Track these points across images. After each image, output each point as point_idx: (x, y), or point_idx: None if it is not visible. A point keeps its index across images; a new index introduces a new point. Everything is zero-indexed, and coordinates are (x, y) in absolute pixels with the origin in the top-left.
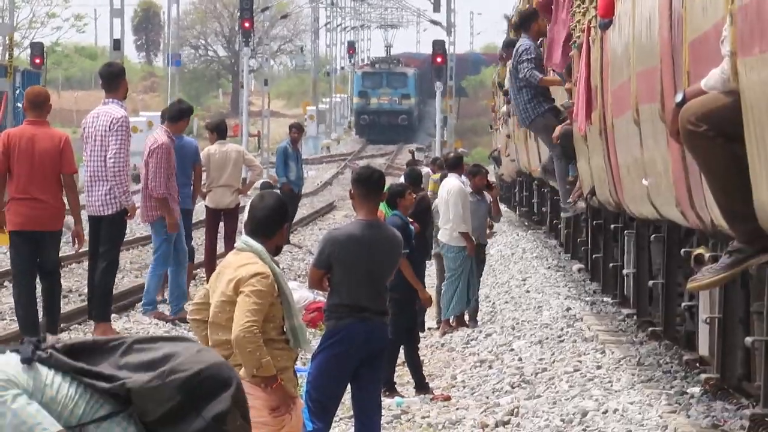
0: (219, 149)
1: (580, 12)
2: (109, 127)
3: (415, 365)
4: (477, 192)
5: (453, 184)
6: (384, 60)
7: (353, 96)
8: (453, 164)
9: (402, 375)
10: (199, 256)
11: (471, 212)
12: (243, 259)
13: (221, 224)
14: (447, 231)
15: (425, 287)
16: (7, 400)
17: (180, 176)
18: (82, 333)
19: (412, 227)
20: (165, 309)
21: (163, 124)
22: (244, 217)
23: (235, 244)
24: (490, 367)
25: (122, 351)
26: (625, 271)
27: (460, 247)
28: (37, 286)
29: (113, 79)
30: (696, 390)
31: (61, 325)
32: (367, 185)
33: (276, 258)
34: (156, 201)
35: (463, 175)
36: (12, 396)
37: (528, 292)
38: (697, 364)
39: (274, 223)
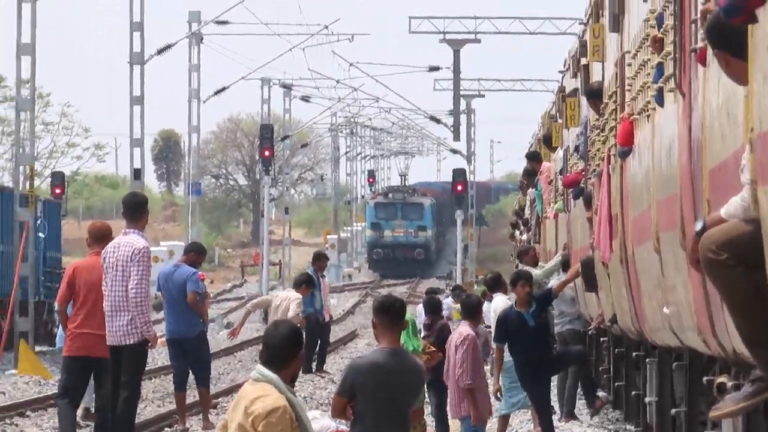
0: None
1: (599, 140)
2: (131, 257)
3: None
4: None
5: (498, 303)
6: (398, 189)
7: (366, 228)
8: (493, 284)
9: None
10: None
11: None
12: (258, 391)
13: None
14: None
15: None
16: None
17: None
18: None
19: None
20: None
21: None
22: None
23: (251, 374)
24: None
25: None
26: (647, 399)
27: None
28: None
29: (136, 210)
30: None
31: None
32: (390, 314)
33: (295, 387)
34: None
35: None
36: None
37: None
38: None
39: (289, 351)
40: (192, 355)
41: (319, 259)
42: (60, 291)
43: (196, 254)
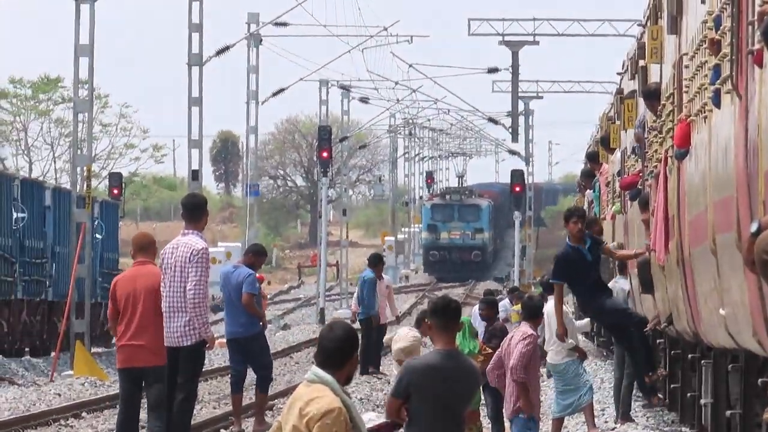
0: None
1: (657, 142)
2: (190, 258)
3: None
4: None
5: (550, 306)
6: (455, 191)
7: (422, 230)
8: (547, 286)
9: None
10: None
11: (570, 321)
12: (313, 392)
13: None
14: (553, 350)
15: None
16: None
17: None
18: None
19: None
20: None
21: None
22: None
23: (306, 376)
24: None
25: None
26: (702, 401)
27: (566, 361)
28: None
29: (196, 210)
30: None
31: None
32: (445, 316)
33: (350, 388)
34: None
35: None
36: None
37: (606, 422)
38: None
39: (343, 353)
40: (251, 356)
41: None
42: (109, 307)
43: (254, 255)
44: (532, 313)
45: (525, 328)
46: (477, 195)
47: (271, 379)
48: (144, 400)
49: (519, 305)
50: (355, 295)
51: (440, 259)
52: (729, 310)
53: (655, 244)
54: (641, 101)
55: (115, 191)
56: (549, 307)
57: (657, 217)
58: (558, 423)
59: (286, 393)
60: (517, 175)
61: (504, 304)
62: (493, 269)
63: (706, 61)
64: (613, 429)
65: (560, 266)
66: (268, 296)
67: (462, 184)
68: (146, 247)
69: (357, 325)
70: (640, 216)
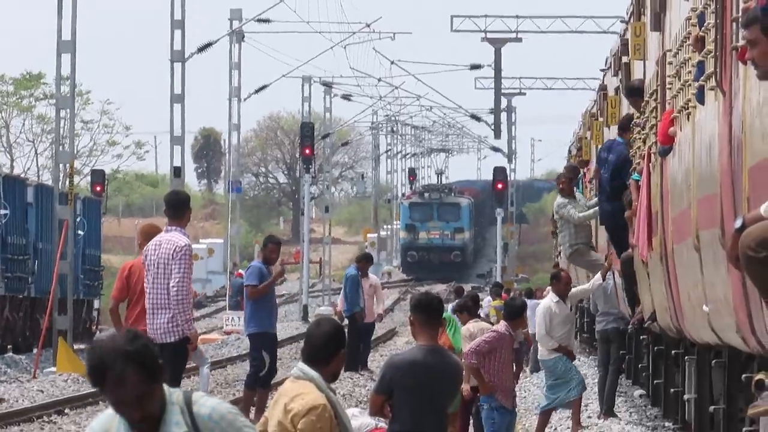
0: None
1: (640, 138)
2: (173, 255)
3: None
4: (561, 297)
5: (542, 303)
6: (434, 188)
7: (400, 230)
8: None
9: None
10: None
11: (559, 322)
12: (298, 388)
13: None
14: (541, 347)
15: None
16: None
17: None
18: None
19: None
20: None
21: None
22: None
23: (292, 371)
24: None
25: None
26: (686, 397)
27: (555, 357)
28: None
29: (179, 207)
30: None
31: None
32: (428, 312)
33: (333, 384)
34: None
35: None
36: None
37: (590, 417)
38: None
39: (330, 349)
40: (267, 351)
41: (361, 260)
42: (116, 289)
43: (268, 248)
44: (513, 314)
45: (499, 327)
46: (457, 193)
47: (254, 376)
48: None
49: (498, 301)
50: (342, 292)
51: (419, 259)
52: (712, 306)
53: (638, 240)
54: (624, 99)
55: (98, 188)
56: (543, 303)
57: (640, 213)
58: (544, 417)
59: (270, 388)
60: (499, 172)
61: (486, 300)
62: (474, 269)
63: (690, 58)
64: (596, 424)
65: None
66: None
67: (441, 181)
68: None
69: (347, 322)
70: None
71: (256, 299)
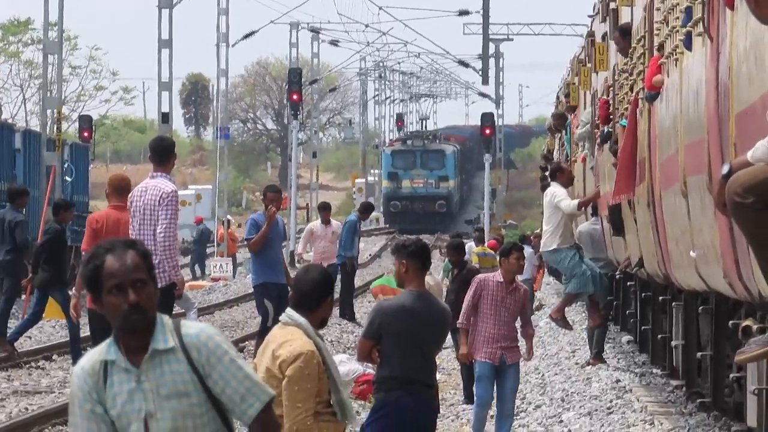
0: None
1: (627, 84)
2: (159, 201)
3: None
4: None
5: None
6: (417, 135)
7: (382, 179)
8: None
9: None
10: (249, 329)
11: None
12: (286, 335)
13: None
14: (548, 235)
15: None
16: None
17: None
18: None
19: None
20: None
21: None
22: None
23: (280, 317)
24: None
25: None
26: (673, 343)
27: (561, 248)
28: None
29: (164, 154)
30: None
31: None
32: (422, 258)
33: (321, 331)
34: None
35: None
36: None
37: (577, 363)
38: None
39: (318, 296)
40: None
41: (324, 209)
42: (85, 242)
43: (267, 197)
44: (502, 254)
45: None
46: (442, 139)
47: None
48: None
49: (481, 248)
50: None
51: (402, 210)
52: (700, 252)
53: (617, 183)
54: (612, 44)
55: (85, 134)
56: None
57: (621, 157)
58: (568, 298)
59: (255, 336)
60: (486, 118)
61: (469, 246)
62: (459, 219)
63: (678, 4)
64: (585, 370)
65: None
66: (239, 239)
67: (426, 127)
68: (123, 190)
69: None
70: (611, 159)
71: (257, 251)
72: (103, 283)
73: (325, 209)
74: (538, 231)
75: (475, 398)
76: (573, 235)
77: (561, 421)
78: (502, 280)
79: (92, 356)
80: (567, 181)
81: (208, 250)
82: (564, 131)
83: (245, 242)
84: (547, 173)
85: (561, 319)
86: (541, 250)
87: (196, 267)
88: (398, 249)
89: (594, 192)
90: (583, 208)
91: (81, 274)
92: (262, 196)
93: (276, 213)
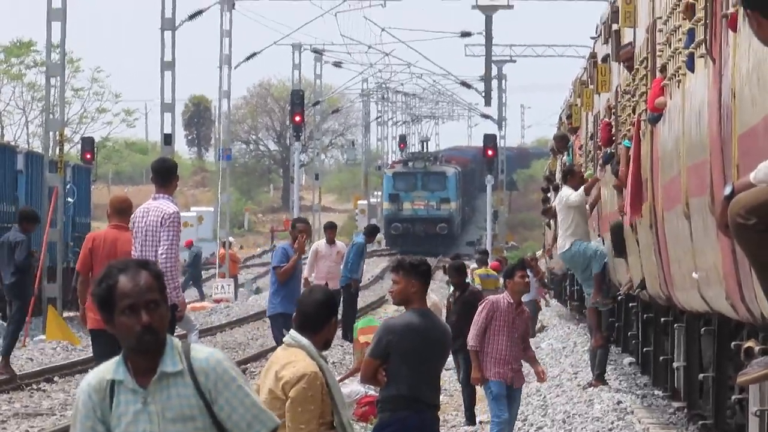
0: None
1: (629, 106)
2: (161, 222)
3: None
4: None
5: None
6: (419, 157)
7: (383, 200)
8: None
9: None
10: (251, 350)
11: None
12: (290, 356)
13: None
14: (562, 237)
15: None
16: None
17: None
18: None
19: None
20: None
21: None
22: None
23: (284, 339)
24: None
25: None
26: (675, 365)
27: (573, 242)
28: None
29: (166, 175)
30: None
31: None
32: (427, 277)
33: (324, 353)
34: None
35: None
36: None
37: (579, 385)
38: None
39: (322, 317)
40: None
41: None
42: (79, 262)
43: (297, 228)
44: (506, 275)
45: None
46: (443, 161)
47: None
48: None
49: (483, 269)
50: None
51: (403, 232)
52: (702, 273)
53: (625, 206)
54: (615, 66)
55: (88, 155)
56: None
57: (628, 180)
58: (598, 280)
59: (258, 357)
60: (489, 139)
61: (473, 268)
62: (461, 242)
63: (680, 25)
64: (587, 391)
65: None
66: (241, 260)
67: (427, 148)
68: (124, 212)
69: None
70: (614, 180)
71: (284, 281)
72: (116, 304)
73: (330, 228)
74: (539, 253)
75: (491, 418)
76: (588, 234)
77: None
78: (511, 300)
79: (99, 373)
80: (578, 185)
81: (210, 271)
82: (566, 152)
83: (272, 270)
84: (549, 194)
85: (601, 300)
86: (558, 252)
87: (193, 289)
88: (405, 268)
89: (594, 178)
90: (589, 195)
91: (93, 294)
92: (291, 228)
93: (305, 243)
